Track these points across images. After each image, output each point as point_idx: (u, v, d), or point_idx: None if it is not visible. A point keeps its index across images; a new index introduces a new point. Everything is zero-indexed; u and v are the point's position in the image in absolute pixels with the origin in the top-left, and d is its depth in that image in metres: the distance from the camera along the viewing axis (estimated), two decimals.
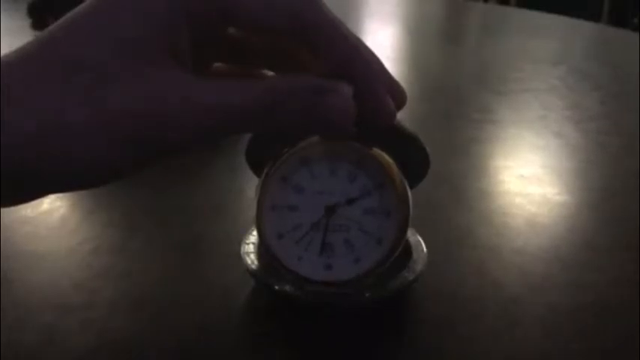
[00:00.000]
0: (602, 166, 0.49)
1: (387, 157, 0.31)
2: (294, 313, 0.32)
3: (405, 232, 0.31)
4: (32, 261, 0.36)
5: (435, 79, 0.72)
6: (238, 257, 0.33)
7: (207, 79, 0.25)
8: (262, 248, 0.32)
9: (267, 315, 0.32)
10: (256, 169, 0.34)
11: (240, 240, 0.34)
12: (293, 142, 0.32)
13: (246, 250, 0.33)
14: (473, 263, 0.36)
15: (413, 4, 1.17)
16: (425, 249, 0.33)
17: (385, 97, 0.27)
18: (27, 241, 0.38)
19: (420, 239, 0.34)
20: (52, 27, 0.25)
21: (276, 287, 0.31)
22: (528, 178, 0.46)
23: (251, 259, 0.33)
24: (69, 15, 0.25)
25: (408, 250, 0.33)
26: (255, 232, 0.34)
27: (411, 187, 0.34)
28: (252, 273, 0.32)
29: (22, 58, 0.25)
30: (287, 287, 0.31)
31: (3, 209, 0.40)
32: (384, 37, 0.89)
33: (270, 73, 0.30)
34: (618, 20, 2.53)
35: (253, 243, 0.34)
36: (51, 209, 0.41)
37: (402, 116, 0.30)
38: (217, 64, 0.30)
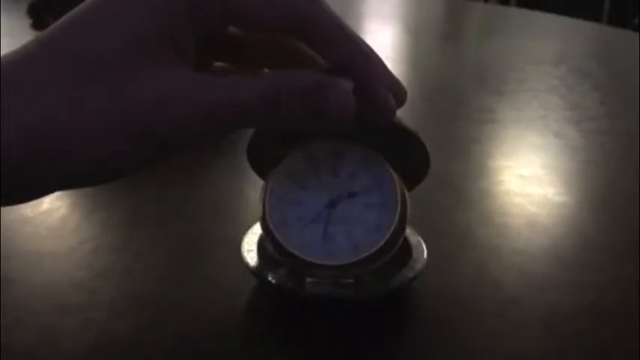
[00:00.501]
0: (602, 166, 0.49)
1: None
2: (294, 312, 0.32)
3: (404, 224, 0.31)
4: (32, 261, 0.36)
5: (435, 79, 0.72)
6: (238, 257, 0.33)
7: (211, 75, 0.25)
8: (264, 233, 0.32)
9: (267, 315, 0.32)
10: (257, 167, 0.34)
11: (240, 239, 0.34)
12: (294, 140, 0.32)
13: (246, 248, 0.33)
14: (473, 263, 0.36)
15: (413, 4, 1.17)
16: (425, 249, 0.34)
17: (385, 92, 0.27)
18: (27, 241, 0.38)
19: (421, 239, 0.34)
20: (54, 25, 0.25)
21: (272, 280, 0.31)
22: (528, 178, 0.46)
23: (250, 256, 0.33)
24: (72, 13, 0.25)
25: (408, 250, 0.33)
26: (255, 230, 0.34)
27: (412, 187, 0.34)
28: (252, 270, 0.32)
29: (25, 56, 0.25)
30: (286, 281, 0.31)
31: (3, 209, 0.40)
32: (384, 37, 0.89)
33: None
34: (618, 20, 2.53)
35: (253, 240, 0.34)
36: (51, 209, 0.41)
37: (402, 116, 0.30)
38: (218, 64, 0.30)
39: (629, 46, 0.85)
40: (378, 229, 0.31)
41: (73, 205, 0.42)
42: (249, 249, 0.33)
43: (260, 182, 0.35)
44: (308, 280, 0.30)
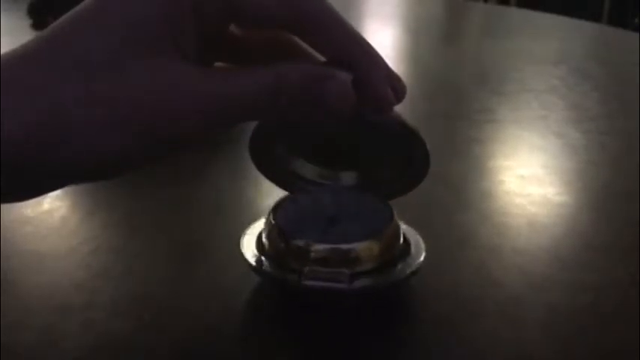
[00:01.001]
0: (603, 167, 0.49)
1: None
2: (294, 312, 0.32)
3: (398, 229, 0.33)
4: (32, 261, 0.36)
5: (436, 79, 0.72)
6: (238, 257, 0.33)
7: (212, 70, 0.26)
8: (266, 224, 0.33)
9: (267, 315, 0.32)
10: (259, 163, 0.34)
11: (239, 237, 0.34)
12: (294, 139, 0.33)
13: (245, 243, 0.33)
14: (473, 263, 0.36)
15: (413, 5, 1.17)
16: (424, 247, 0.33)
17: (384, 85, 0.27)
18: (27, 241, 0.38)
19: (420, 238, 0.34)
20: (54, 24, 0.25)
21: (269, 271, 0.31)
22: (528, 179, 0.46)
23: (249, 251, 0.33)
24: (73, 11, 0.25)
25: (407, 248, 0.33)
26: (254, 228, 0.34)
27: (412, 187, 0.34)
28: (250, 263, 0.32)
29: (24, 54, 0.25)
30: (283, 273, 0.31)
31: (3, 210, 0.40)
32: (384, 37, 0.89)
33: None
34: (619, 20, 2.53)
35: (253, 234, 0.34)
36: (51, 209, 0.41)
37: (402, 115, 0.30)
38: (218, 64, 0.30)
39: (629, 47, 0.85)
40: (376, 236, 0.32)
41: (73, 206, 0.42)
42: (248, 244, 0.33)
43: (260, 182, 0.35)
44: (305, 269, 0.30)
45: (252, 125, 0.32)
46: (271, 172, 0.35)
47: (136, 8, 0.25)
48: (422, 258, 0.32)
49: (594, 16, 2.36)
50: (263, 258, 0.32)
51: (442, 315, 0.32)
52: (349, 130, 0.32)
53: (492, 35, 0.95)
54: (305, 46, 0.29)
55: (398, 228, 0.33)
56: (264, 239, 0.33)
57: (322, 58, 0.28)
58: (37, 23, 0.84)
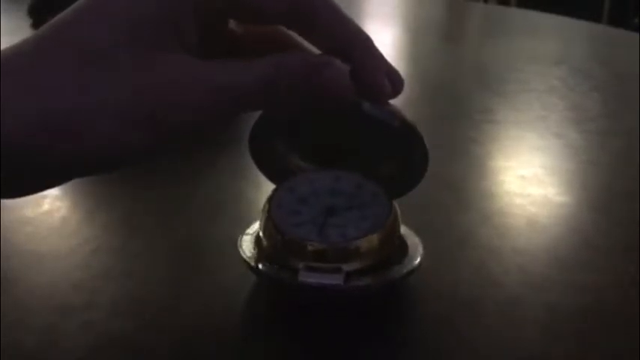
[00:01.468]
0: (603, 167, 0.49)
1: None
2: (294, 312, 0.32)
3: (397, 226, 0.33)
4: (32, 261, 0.36)
5: (435, 79, 0.72)
6: (238, 257, 0.33)
7: (213, 61, 0.26)
8: (262, 216, 0.33)
9: (267, 315, 0.32)
10: (259, 162, 0.34)
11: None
12: (294, 139, 0.34)
13: (242, 241, 0.33)
14: (473, 263, 0.36)
15: (413, 5, 1.17)
16: (422, 248, 0.33)
17: (381, 76, 0.28)
18: (27, 242, 0.38)
19: (419, 240, 0.34)
20: (57, 17, 0.25)
21: (265, 270, 0.31)
22: (528, 179, 0.46)
23: (247, 248, 0.33)
24: (75, 4, 0.26)
25: (404, 248, 0.33)
26: (253, 228, 0.34)
27: (411, 187, 0.34)
28: (246, 261, 0.32)
29: (26, 47, 0.25)
30: (280, 272, 0.31)
31: (3, 210, 0.40)
32: (384, 38, 0.89)
33: None
34: (619, 20, 2.53)
35: (251, 234, 0.34)
36: (51, 210, 0.41)
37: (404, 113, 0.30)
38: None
39: (629, 47, 0.85)
40: (373, 230, 0.32)
41: (73, 206, 0.42)
42: (246, 243, 0.33)
43: (260, 183, 0.35)
44: (301, 265, 0.30)
45: (252, 125, 0.32)
46: (271, 171, 0.35)
47: (136, 1, 0.25)
48: (419, 257, 0.32)
49: (594, 17, 2.36)
50: (260, 255, 0.32)
51: (442, 315, 0.32)
52: (348, 127, 0.32)
53: (492, 35, 0.94)
54: (302, 41, 0.29)
55: (397, 221, 0.33)
56: (261, 236, 0.33)
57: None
58: (37, 23, 0.84)
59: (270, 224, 0.32)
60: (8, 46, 0.25)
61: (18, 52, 0.25)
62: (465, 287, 0.34)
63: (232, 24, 0.30)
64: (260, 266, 0.31)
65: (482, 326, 0.31)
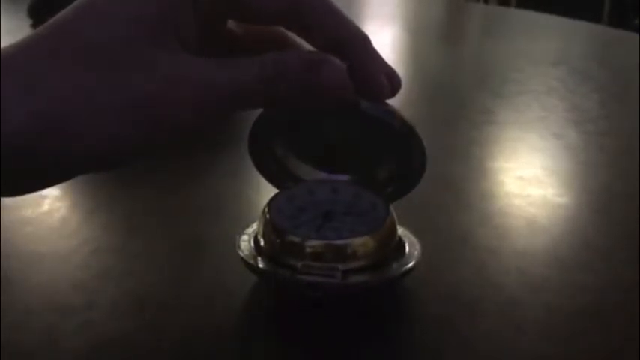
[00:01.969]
0: (602, 168, 0.49)
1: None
2: (294, 313, 0.32)
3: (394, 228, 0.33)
4: (32, 261, 0.36)
5: (435, 80, 0.72)
6: (238, 257, 0.33)
7: (212, 59, 0.26)
8: (261, 219, 0.33)
9: (266, 315, 0.32)
10: (258, 164, 0.34)
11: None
12: (294, 139, 0.34)
13: (240, 241, 0.33)
14: (473, 264, 0.36)
15: (413, 5, 1.17)
16: (419, 246, 0.33)
17: (379, 74, 0.28)
18: (27, 242, 0.38)
19: (416, 240, 0.34)
20: (59, 14, 0.26)
21: (261, 265, 0.31)
22: (528, 180, 0.46)
23: (245, 247, 0.33)
24: (75, 3, 0.26)
25: (402, 249, 0.33)
26: (254, 225, 0.34)
27: (410, 189, 0.34)
28: (246, 263, 0.32)
29: (26, 45, 0.25)
30: (278, 269, 0.31)
31: (3, 210, 0.40)
32: (384, 38, 0.89)
33: None
34: (619, 21, 2.53)
35: (249, 234, 0.34)
36: (51, 210, 0.41)
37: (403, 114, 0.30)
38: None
39: (629, 48, 0.85)
40: (370, 229, 0.32)
41: (73, 206, 0.42)
42: (245, 242, 0.33)
43: (260, 183, 0.35)
44: (299, 264, 0.30)
45: (251, 125, 0.32)
46: (269, 172, 0.35)
47: (135, 0, 0.25)
48: (417, 257, 0.32)
49: (594, 17, 2.36)
50: (258, 255, 0.32)
51: (442, 315, 0.32)
52: (347, 127, 0.32)
53: (492, 36, 0.94)
54: (300, 40, 0.29)
55: (394, 225, 0.33)
56: (259, 236, 0.33)
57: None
58: (37, 23, 0.84)
59: (269, 226, 0.32)
60: (7, 45, 0.25)
61: (16, 51, 0.25)
62: (464, 288, 0.34)
63: (231, 24, 0.30)
64: (259, 265, 0.31)
65: (482, 327, 0.31)
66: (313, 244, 0.31)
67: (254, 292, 0.33)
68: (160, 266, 0.36)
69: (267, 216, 0.32)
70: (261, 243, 0.32)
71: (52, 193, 0.43)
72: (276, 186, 0.35)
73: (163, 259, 0.36)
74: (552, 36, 0.93)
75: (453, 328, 0.31)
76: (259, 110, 0.31)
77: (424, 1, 1.20)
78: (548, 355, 0.29)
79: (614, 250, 0.38)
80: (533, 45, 0.86)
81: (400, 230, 0.33)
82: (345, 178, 0.35)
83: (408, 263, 0.32)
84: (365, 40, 0.28)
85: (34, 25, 0.83)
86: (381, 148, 0.33)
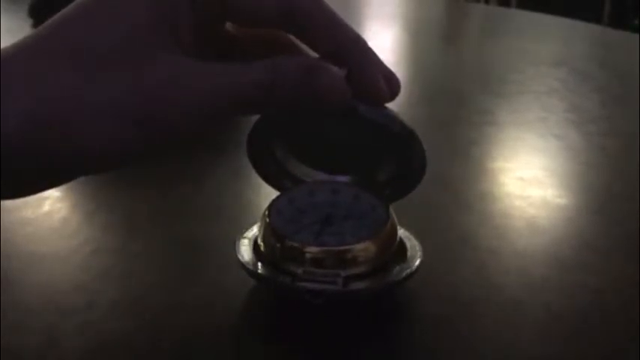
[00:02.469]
0: (603, 169, 0.49)
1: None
2: (294, 314, 0.32)
3: (395, 233, 0.33)
4: (32, 262, 0.36)
5: (436, 80, 0.72)
6: (238, 260, 0.33)
7: (210, 63, 0.26)
8: (261, 224, 0.33)
9: (266, 316, 0.32)
10: (257, 165, 0.34)
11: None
12: (294, 141, 0.34)
13: (240, 245, 0.33)
14: (473, 265, 0.36)
15: (413, 6, 1.17)
16: (420, 250, 0.33)
17: (377, 78, 0.28)
18: (27, 242, 0.38)
19: (417, 242, 0.34)
20: (57, 15, 0.26)
21: (262, 272, 0.31)
22: (528, 181, 0.46)
23: (245, 253, 0.33)
24: (73, 4, 0.26)
25: (403, 252, 0.33)
26: (251, 230, 0.34)
27: (410, 190, 0.34)
28: (247, 269, 0.32)
29: (25, 46, 0.25)
30: (278, 275, 0.31)
31: (3, 211, 0.40)
32: (384, 39, 0.89)
33: None
34: (619, 22, 2.53)
35: (249, 238, 0.34)
36: (51, 211, 0.41)
37: (402, 117, 0.30)
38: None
39: (629, 48, 0.85)
40: (370, 234, 0.32)
41: (73, 207, 0.42)
42: (245, 246, 0.33)
43: (260, 184, 0.35)
44: (300, 270, 0.30)
45: (250, 127, 0.32)
46: (269, 174, 0.35)
47: (133, 2, 0.25)
48: (418, 261, 0.32)
49: (595, 18, 2.36)
50: (258, 260, 0.32)
51: (442, 316, 0.32)
52: (347, 131, 0.32)
53: (493, 36, 0.94)
54: (299, 43, 0.29)
55: (395, 229, 0.33)
56: (259, 240, 0.33)
57: (316, 56, 0.29)
58: (38, 23, 0.84)
59: (269, 230, 0.32)
60: (6, 45, 0.25)
61: (16, 51, 0.25)
62: (464, 288, 0.34)
63: (231, 25, 0.30)
64: (259, 271, 0.31)
65: (482, 327, 0.31)
66: (313, 250, 0.31)
67: (254, 292, 0.33)
68: (160, 267, 0.36)
69: (267, 220, 0.32)
70: (261, 248, 0.32)
71: (52, 193, 0.43)
72: (275, 187, 0.35)
73: (163, 259, 0.36)
74: (553, 37, 0.93)
75: (453, 329, 0.31)
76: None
77: (424, 2, 1.20)
78: (548, 355, 0.29)
79: (614, 251, 0.38)
80: (533, 45, 0.86)
81: (400, 231, 0.33)
82: (345, 178, 0.35)
83: (410, 267, 0.32)
84: (363, 44, 0.28)
85: (35, 26, 0.83)
86: (380, 150, 0.33)
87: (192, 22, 0.26)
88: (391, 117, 0.30)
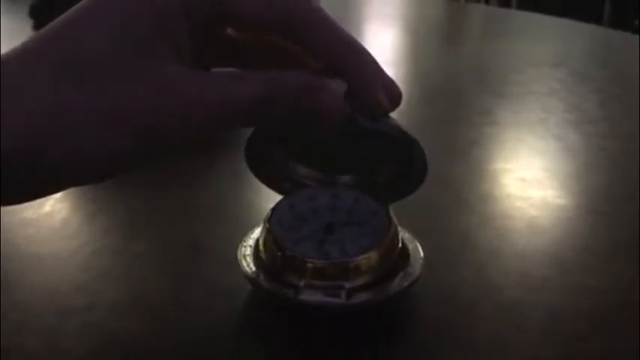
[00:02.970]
0: (603, 169, 0.49)
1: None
2: (293, 315, 0.32)
3: (397, 234, 0.33)
4: (33, 263, 0.36)
5: (436, 81, 0.72)
6: (238, 260, 0.33)
7: (206, 74, 0.26)
8: (263, 232, 0.33)
9: (266, 317, 0.32)
10: (255, 168, 0.34)
11: (238, 243, 0.34)
12: (294, 143, 0.33)
13: (242, 253, 0.33)
14: (473, 266, 0.36)
15: (413, 6, 1.17)
16: (422, 255, 0.33)
17: (377, 91, 0.27)
18: (28, 243, 0.38)
19: (419, 245, 0.34)
20: (55, 21, 0.25)
21: (263, 284, 0.31)
22: (529, 181, 0.46)
23: (247, 261, 0.33)
24: (72, 9, 0.26)
25: (405, 256, 0.33)
26: (252, 235, 0.34)
27: (410, 192, 0.34)
28: (247, 276, 0.32)
29: (27, 50, 0.25)
30: (280, 288, 0.31)
31: (4, 212, 0.40)
32: (384, 39, 0.89)
33: None
34: (619, 22, 2.53)
35: (250, 246, 0.34)
36: (52, 211, 0.41)
37: (402, 118, 0.30)
38: (215, 70, 0.30)
39: (629, 49, 0.85)
40: (372, 244, 0.31)
41: (74, 208, 0.42)
42: (246, 255, 0.33)
43: (260, 185, 0.35)
44: (302, 283, 0.30)
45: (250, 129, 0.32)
46: (268, 177, 0.35)
47: (129, 9, 0.25)
48: (420, 266, 0.32)
49: (595, 18, 2.36)
50: (259, 269, 0.32)
51: (442, 317, 0.32)
52: (347, 137, 0.32)
53: (493, 37, 0.95)
54: (300, 50, 0.29)
55: (397, 234, 0.33)
56: (260, 249, 0.33)
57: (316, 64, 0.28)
58: (39, 25, 0.84)
59: (270, 239, 0.32)
60: (7, 50, 0.25)
61: (15, 57, 0.25)
62: (465, 289, 0.34)
63: (230, 30, 0.30)
64: (261, 282, 0.31)
65: (482, 328, 0.31)
66: (315, 262, 0.31)
67: (254, 292, 0.33)
68: (160, 267, 0.36)
69: (268, 227, 0.32)
70: (263, 257, 0.32)
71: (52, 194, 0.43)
72: (275, 189, 0.35)
73: (164, 260, 0.37)
74: (553, 37, 0.93)
75: (453, 329, 0.31)
76: None
77: (424, 2, 1.20)
78: (549, 356, 0.29)
79: (614, 252, 0.38)
80: (533, 46, 0.86)
81: (401, 233, 0.33)
82: (345, 178, 0.35)
83: (412, 275, 0.32)
84: (362, 54, 0.27)
85: (36, 27, 0.83)
86: (381, 156, 0.33)
87: (188, 28, 0.26)
88: (391, 125, 0.29)
